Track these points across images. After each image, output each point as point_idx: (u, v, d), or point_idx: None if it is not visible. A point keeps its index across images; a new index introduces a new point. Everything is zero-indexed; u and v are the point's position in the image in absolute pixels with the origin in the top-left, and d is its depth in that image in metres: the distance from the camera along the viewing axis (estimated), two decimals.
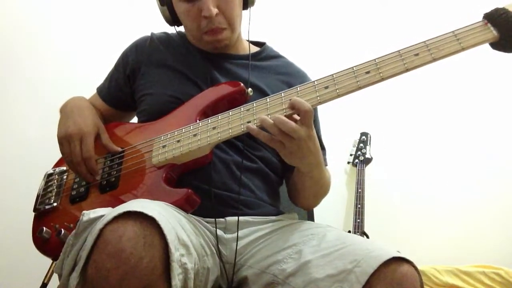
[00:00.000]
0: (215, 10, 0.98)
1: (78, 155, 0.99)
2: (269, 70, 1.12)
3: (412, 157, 2.21)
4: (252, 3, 1.10)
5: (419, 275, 0.73)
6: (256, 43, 1.20)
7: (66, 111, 1.08)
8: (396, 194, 2.16)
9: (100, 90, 1.22)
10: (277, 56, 1.18)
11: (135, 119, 1.21)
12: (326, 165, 1.13)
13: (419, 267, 0.74)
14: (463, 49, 0.78)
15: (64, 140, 1.01)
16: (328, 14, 2.32)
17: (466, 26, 0.79)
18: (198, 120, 0.96)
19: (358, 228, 1.90)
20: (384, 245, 0.77)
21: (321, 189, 1.03)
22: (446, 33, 0.80)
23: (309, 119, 0.82)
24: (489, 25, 0.78)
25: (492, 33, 0.77)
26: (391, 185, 2.17)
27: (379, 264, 0.70)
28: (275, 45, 1.23)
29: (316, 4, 2.32)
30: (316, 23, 2.30)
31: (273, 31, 1.90)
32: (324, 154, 1.13)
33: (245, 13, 1.12)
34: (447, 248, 2.06)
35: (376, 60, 0.83)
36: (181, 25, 1.11)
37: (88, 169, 1.00)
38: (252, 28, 1.15)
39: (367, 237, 1.88)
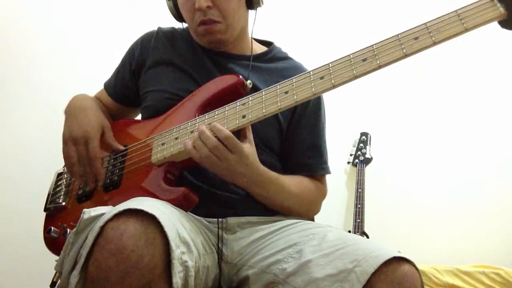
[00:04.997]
0: (206, 3, 0.98)
1: (85, 158, 1.00)
2: (273, 73, 1.09)
3: (412, 157, 2.21)
4: (259, 4, 1.07)
5: (419, 275, 0.72)
6: (263, 43, 1.19)
7: (69, 112, 1.09)
8: (396, 194, 2.16)
9: (107, 86, 1.22)
10: (284, 58, 1.16)
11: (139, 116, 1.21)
12: (327, 173, 1.12)
13: (419, 267, 0.74)
14: (466, 30, 0.71)
15: (70, 142, 1.02)
16: (339, 12, 2.32)
17: (471, 4, 0.72)
18: (197, 116, 0.95)
19: (358, 228, 1.90)
20: (385, 245, 0.77)
21: (284, 203, 1.00)
22: (449, 13, 0.74)
23: (232, 145, 0.84)
24: (495, 1, 0.71)
25: (499, 10, 0.70)
26: (391, 185, 2.17)
27: (379, 264, 0.70)
28: (285, 44, 1.21)
29: (327, 3, 2.32)
30: (327, 20, 2.30)
31: (284, 30, 1.90)
32: (324, 162, 1.11)
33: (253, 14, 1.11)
34: (447, 248, 2.06)
35: (374, 46, 0.79)
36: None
37: (93, 171, 1.01)
38: (262, 27, 1.15)
39: (367, 237, 1.88)
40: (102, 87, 1.25)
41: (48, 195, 1.09)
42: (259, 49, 1.15)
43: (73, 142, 1.01)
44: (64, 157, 1.03)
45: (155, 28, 1.18)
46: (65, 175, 1.10)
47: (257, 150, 1.02)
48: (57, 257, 0.79)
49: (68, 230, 0.89)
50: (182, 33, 1.16)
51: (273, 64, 1.13)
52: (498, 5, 0.71)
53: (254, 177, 0.91)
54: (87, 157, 1.00)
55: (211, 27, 1.02)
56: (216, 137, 0.84)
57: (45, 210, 1.06)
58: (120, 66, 1.20)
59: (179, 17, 1.10)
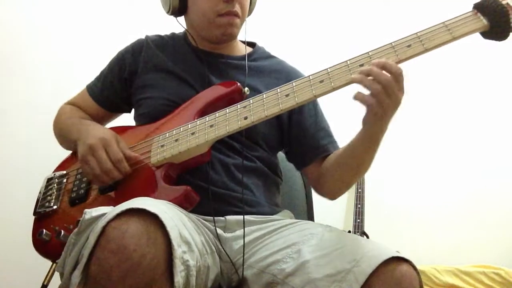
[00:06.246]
0: None
1: (107, 161, 0.92)
2: (263, 71, 1.12)
3: (412, 157, 2.22)
4: (250, 13, 1.14)
5: (418, 275, 0.73)
6: (247, 44, 1.20)
7: (79, 135, 1.02)
8: (396, 194, 2.17)
9: (92, 90, 1.19)
10: (269, 56, 1.19)
11: (131, 121, 1.19)
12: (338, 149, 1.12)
13: (419, 267, 0.74)
14: (454, 38, 0.79)
15: (88, 154, 0.94)
16: (322, 12, 2.33)
17: (457, 17, 0.80)
18: (196, 119, 0.96)
19: (358, 228, 1.90)
20: (383, 245, 0.77)
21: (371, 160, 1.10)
22: (437, 24, 0.80)
23: (402, 82, 0.81)
24: (478, 14, 0.78)
25: (482, 22, 0.77)
26: (391, 185, 2.18)
27: (378, 264, 0.70)
28: (268, 45, 1.23)
29: (309, 2, 2.33)
30: (309, 21, 2.31)
31: (267, 30, 1.91)
32: (334, 141, 1.13)
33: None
34: (447, 248, 2.06)
35: (370, 53, 0.83)
36: (181, 15, 1.11)
37: (121, 171, 0.94)
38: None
39: (367, 237, 1.89)
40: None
41: (38, 199, 1.06)
42: (247, 49, 1.17)
43: (92, 153, 0.94)
44: (88, 176, 0.96)
45: (149, 32, 1.19)
46: (56, 180, 1.08)
47: (255, 146, 1.04)
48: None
49: (62, 231, 0.89)
50: (171, 39, 1.17)
51: (260, 62, 1.15)
52: (482, 17, 0.78)
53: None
54: (109, 160, 0.93)
55: (234, 19, 1.04)
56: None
57: (34, 213, 1.04)
58: (107, 71, 1.18)
59: (180, 8, 1.08)
